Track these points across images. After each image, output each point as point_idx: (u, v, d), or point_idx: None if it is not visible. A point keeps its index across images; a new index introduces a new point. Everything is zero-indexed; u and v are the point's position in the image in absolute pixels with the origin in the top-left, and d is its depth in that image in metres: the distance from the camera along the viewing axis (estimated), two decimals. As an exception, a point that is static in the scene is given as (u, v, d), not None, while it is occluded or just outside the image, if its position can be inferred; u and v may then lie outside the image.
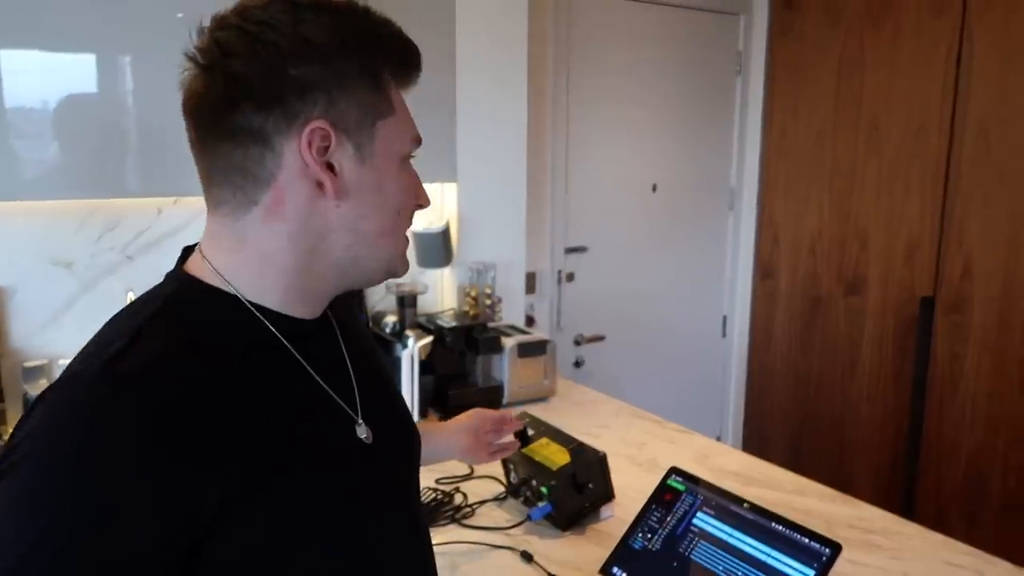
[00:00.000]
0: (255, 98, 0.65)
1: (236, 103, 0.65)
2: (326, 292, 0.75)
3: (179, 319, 0.66)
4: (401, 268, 0.77)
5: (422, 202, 0.78)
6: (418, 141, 0.75)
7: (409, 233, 0.79)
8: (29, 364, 1.76)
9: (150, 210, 1.94)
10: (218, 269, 0.69)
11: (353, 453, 0.76)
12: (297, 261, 0.69)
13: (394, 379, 0.95)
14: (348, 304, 0.90)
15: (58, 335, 1.83)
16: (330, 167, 0.67)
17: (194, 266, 0.70)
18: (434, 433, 1.28)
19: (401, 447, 0.87)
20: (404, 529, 0.83)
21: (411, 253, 2.03)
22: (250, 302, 0.69)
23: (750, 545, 1.14)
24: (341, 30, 0.67)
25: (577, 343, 2.88)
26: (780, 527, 1.13)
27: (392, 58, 0.72)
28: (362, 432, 0.77)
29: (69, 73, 1.65)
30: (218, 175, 0.68)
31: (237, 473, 0.61)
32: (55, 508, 0.55)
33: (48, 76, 1.62)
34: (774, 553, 1.11)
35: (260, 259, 0.69)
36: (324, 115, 0.66)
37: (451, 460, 1.36)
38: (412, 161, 0.76)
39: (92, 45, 1.66)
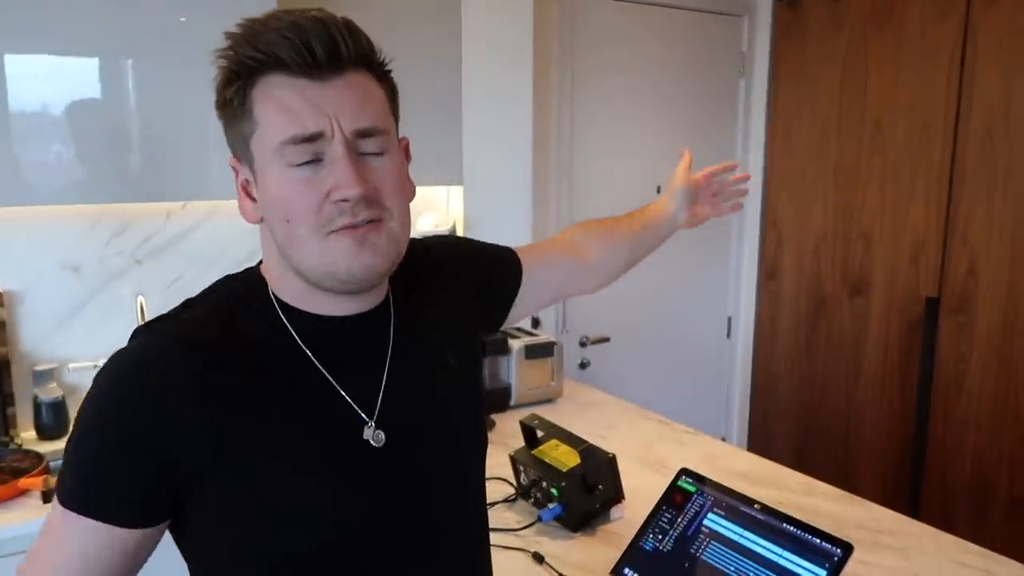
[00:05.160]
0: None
1: None
2: (328, 293, 0.75)
3: (227, 299, 0.77)
4: (340, 271, 0.72)
5: (329, 193, 0.70)
6: (294, 140, 0.69)
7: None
8: (39, 368, 1.77)
9: (159, 215, 1.95)
10: (265, 264, 0.80)
11: (354, 453, 0.75)
12: (276, 267, 0.77)
13: (475, 390, 0.95)
14: (436, 303, 0.89)
15: (67, 339, 1.83)
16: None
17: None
18: (655, 221, 1.30)
19: (434, 456, 0.82)
20: (418, 539, 0.80)
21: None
22: (277, 297, 0.77)
23: (761, 546, 1.14)
24: (222, 59, 0.71)
25: (582, 344, 2.89)
26: (791, 528, 1.14)
27: (252, 66, 0.69)
28: (369, 434, 0.76)
29: (74, 77, 1.65)
30: None
31: (232, 424, 0.70)
32: (92, 427, 0.70)
33: (53, 81, 1.62)
34: (786, 554, 1.11)
35: (266, 264, 0.80)
36: (233, 151, 0.76)
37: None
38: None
39: (96, 49, 1.65)
